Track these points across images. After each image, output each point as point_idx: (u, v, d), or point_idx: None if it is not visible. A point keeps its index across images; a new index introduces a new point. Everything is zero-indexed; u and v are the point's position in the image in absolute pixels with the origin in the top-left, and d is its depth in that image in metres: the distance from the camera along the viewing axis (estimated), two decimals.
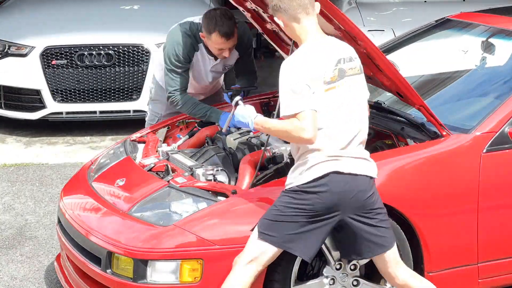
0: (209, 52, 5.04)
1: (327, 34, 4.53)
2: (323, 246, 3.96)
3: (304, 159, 3.76)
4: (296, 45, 3.93)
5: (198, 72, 5.15)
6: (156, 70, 5.46)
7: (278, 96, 4.35)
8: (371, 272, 4.20)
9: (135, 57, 7.64)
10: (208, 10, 4.98)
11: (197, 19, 5.11)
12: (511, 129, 4.23)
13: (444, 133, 4.21)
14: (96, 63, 7.57)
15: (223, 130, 4.62)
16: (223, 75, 5.49)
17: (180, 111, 5.09)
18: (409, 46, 5.46)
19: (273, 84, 5.30)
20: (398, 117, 4.49)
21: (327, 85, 3.72)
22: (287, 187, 3.79)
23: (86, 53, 7.59)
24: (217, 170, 4.35)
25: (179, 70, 4.98)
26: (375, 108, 4.68)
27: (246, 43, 5.17)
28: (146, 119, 5.56)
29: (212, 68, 5.16)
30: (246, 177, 4.23)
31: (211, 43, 4.92)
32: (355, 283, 4.09)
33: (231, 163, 4.46)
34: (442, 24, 5.47)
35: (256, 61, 5.47)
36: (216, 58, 5.08)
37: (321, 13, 4.13)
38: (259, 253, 3.76)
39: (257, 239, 3.77)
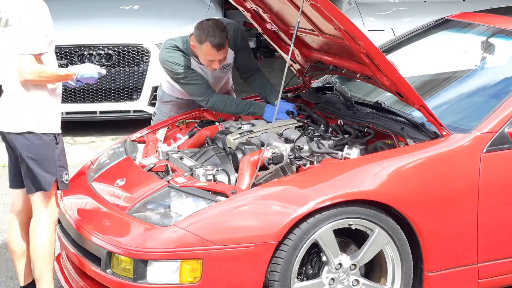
0: (200, 62, 5.04)
1: (327, 34, 4.54)
2: (323, 246, 3.97)
3: None
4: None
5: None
6: (162, 79, 5.46)
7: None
8: (371, 272, 4.21)
9: (135, 57, 7.65)
10: (201, 20, 4.96)
11: (185, 31, 5.11)
12: (511, 129, 4.23)
13: (444, 133, 4.21)
14: (96, 63, 7.57)
15: (273, 121, 4.61)
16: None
17: (223, 112, 5.12)
18: (409, 46, 5.46)
19: (273, 84, 5.30)
20: (398, 117, 4.49)
21: None
22: None
23: (86, 53, 7.60)
24: (217, 170, 4.35)
25: (192, 77, 5.02)
26: (375, 108, 4.68)
27: (240, 42, 5.16)
28: (154, 118, 5.55)
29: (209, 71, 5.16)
30: (246, 177, 4.23)
31: (202, 54, 4.91)
32: (355, 283, 4.09)
33: (231, 163, 4.46)
34: (442, 24, 5.47)
35: (256, 61, 5.47)
36: None
37: (321, 13, 4.13)
38: None
39: None
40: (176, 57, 5.02)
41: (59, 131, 4.42)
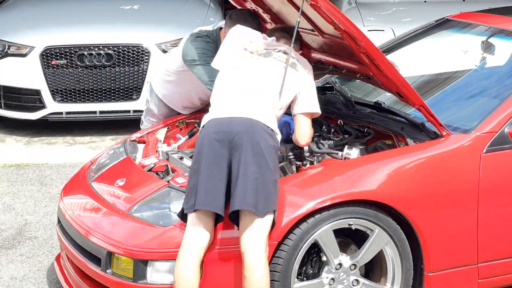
0: None
1: (327, 34, 4.55)
2: (323, 246, 3.96)
3: None
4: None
5: None
6: (156, 84, 5.43)
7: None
8: (371, 272, 4.21)
9: (135, 57, 7.65)
10: (233, 10, 4.96)
11: (210, 27, 5.10)
12: (511, 129, 4.23)
13: (444, 133, 4.21)
14: (96, 63, 7.57)
15: None
16: None
17: None
18: (409, 46, 5.46)
19: None
20: (398, 117, 4.48)
21: None
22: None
23: (86, 53, 7.59)
24: None
25: (207, 60, 5.00)
26: (375, 108, 4.68)
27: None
28: (142, 127, 5.53)
29: None
30: None
31: None
32: (355, 283, 4.09)
33: None
34: (442, 24, 5.47)
35: None
36: None
37: (321, 13, 4.13)
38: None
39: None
40: (199, 43, 5.00)
41: None
